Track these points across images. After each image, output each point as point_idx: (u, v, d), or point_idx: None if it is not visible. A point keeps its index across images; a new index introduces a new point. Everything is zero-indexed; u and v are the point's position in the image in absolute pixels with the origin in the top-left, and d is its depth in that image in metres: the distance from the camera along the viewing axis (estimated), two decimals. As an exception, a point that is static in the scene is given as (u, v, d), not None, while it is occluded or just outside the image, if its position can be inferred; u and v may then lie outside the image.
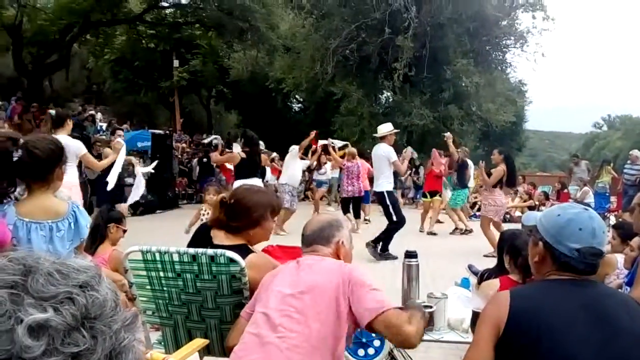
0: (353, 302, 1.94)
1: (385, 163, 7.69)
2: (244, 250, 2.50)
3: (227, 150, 10.03)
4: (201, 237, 2.67)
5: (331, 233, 2.24)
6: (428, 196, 11.10)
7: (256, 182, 6.95)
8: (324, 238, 2.22)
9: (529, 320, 1.56)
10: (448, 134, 10.27)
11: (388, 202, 7.54)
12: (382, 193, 7.60)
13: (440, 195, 11.08)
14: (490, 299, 1.80)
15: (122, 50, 24.55)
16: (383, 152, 7.67)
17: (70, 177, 5.82)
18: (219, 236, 2.62)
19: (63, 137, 5.62)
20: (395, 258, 7.10)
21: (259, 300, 2.09)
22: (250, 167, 7.44)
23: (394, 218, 7.51)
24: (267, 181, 10.65)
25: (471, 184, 12.26)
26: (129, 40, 24.49)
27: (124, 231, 4.29)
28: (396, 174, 8.93)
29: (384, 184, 7.69)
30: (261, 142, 9.63)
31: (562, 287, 1.66)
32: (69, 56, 23.92)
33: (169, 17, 24.51)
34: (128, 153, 7.77)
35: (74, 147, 5.85)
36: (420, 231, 10.72)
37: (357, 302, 1.94)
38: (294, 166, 10.42)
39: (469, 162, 11.23)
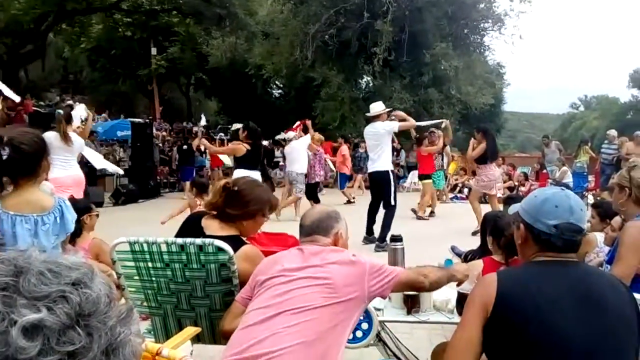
0: (373, 286, 2.04)
1: (387, 140, 7.40)
2: (237, 242, 2.53)
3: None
4: (191, 227, 2.68)
5: (330, 224, 2.27)
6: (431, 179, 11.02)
7: (256, 175, 6.86)
8: (323, 229, 2.25)
9: (517, 302, 1.59)
10: (447, 122, 10.55)
11: (392, 182, 7.31)
12: (387, 172, 7.29)
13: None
14: (477, 281, 1.84)
15: (99, 39, 24.16)
16: (384, 128, 7.35)
17: (77, 170, 6.26)
18: (211, 227, 2.64)
19: (72, 134, 6.17)
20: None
21: (260, 282, 2.09)
22: (252, 159, 7.36)
23: (392, 201, 7.26)
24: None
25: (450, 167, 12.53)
26: (105, 29, 24.08)
27: (97, 215, 4.27)
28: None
29: (388, 162, 7.40)
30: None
31: (547, 267, 1.70)
32: (45, 46, 23.49)
33: (145, 5, 24.07)
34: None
35: (81, 144, 6.37)
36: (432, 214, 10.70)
37: (376, 284, 2.05)
38: (305, 156, 10.54)
39: None
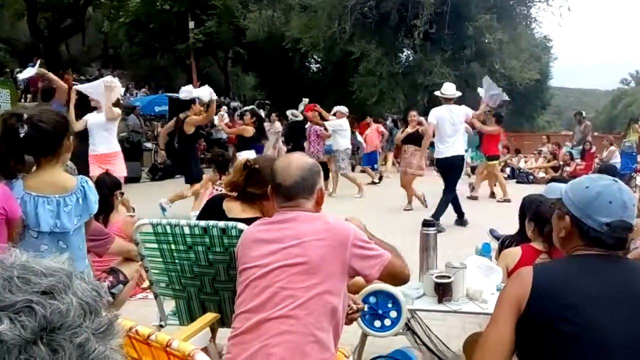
0: (356, 262, 1.84)
1: (463, 125, 7.43)
2: None
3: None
4: (213, 210, 2.65)
5: (314, 181, 1.97)
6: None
7: (252, 154, 7.65)
8: (308, 189, 1.95)
9: (552, 300, 1.48)
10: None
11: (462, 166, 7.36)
12: (462, 157, 7.32)
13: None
14: (512, 275, 1.71)
15: (137, 13, 24.25)
16: (461, 112, 7.26)
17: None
18: (233, 209, 2.60)
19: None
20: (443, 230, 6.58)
21: (240, 271, 1.93)
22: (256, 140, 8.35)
23: (457, 185, 7.28)
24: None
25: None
26: (143, 3, 24.15)
27: (122, 193, 4.32)
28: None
29: (462, 147, 7.41)
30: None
31: (588, 263, 1.57)
32: (84, 20, 23.80)
33: (183, -23, 24.05)
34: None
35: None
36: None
37: (360, 261, 1.85)
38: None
39: None
